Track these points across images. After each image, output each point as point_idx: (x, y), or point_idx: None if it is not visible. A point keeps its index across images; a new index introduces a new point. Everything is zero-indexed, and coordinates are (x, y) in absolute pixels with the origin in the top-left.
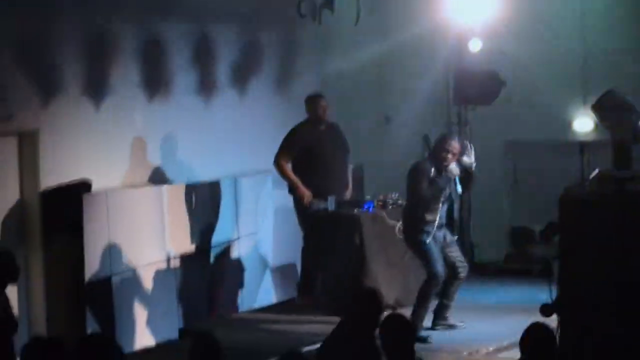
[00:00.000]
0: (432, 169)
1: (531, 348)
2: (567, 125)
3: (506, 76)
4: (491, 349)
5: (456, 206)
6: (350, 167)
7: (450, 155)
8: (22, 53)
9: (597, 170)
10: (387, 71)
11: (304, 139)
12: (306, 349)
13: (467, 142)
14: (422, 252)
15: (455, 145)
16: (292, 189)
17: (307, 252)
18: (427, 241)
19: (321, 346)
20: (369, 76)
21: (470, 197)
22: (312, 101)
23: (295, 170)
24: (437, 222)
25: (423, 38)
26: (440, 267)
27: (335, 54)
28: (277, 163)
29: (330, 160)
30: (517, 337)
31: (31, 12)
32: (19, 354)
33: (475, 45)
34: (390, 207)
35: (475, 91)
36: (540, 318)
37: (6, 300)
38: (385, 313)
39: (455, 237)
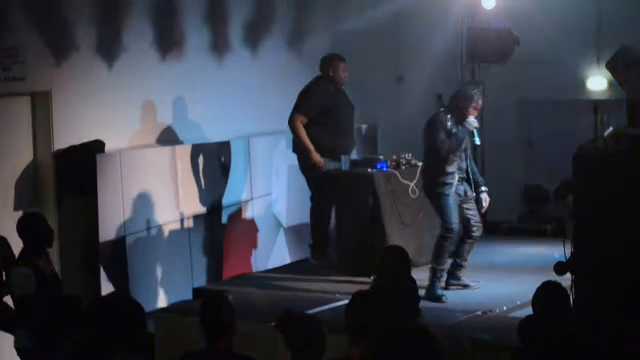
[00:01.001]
0: (449, 122)
1: (543, 305)
2: (581, 84)
3: (520, 34)
4: (505, 308)
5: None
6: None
7: (472, 110)
8: (34, 14)
9: (611, 128)
10: (400, 30)
11: (322, 99)
12: (316, 310)
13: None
14: (440, 205)
15: (478, 99)
16: (305, 153)
17: (319, 212)
18: (447, 193)
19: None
20: (381, 35)
21: (484, 155)
22: (333, 63)
23: (308, 128)
24: (457, 174)
25: None
26: (456, 222)
27: (348, 13)
28: (293, 124)
29: (344, 121)
30: (531, 296)
31: None
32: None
33: (488, 3)
34: (403, 167)
35: (488, 49)
36: (554, 277)
37: (49, 262)
38: None
39: (474, 195)
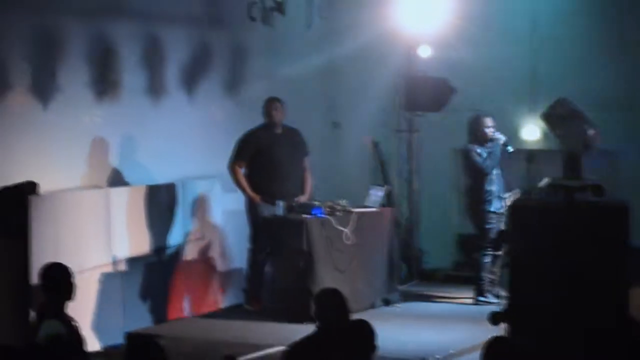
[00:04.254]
0: (478, 148)
1: None
2: (514, 133)
3: (455, 83)
4: (438, 357)
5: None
6: (309, 171)
7: (488, 127)
8: None
9: (546, 179)
10: (337, 77)
11: (256, 142)
12: (249, 356)
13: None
14: (483, 221)
15: (488, 120)
16: (242, 193)
17: (254, 256)
18: (491, 209)
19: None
20: (318, 81)
21: (418, 203)
22: (267, 104)
23: (249, 173)
24: (496, 191)
25: (373, 44)
26: (494, 237)
27: (286, 59)
28: (231, 167)
29: (281, 165)
30: (465, 345)
31: None
32: None
33: (424, 52)
34: (338, 213)
35: (425, 98)
36: (488, 326)
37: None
38: None
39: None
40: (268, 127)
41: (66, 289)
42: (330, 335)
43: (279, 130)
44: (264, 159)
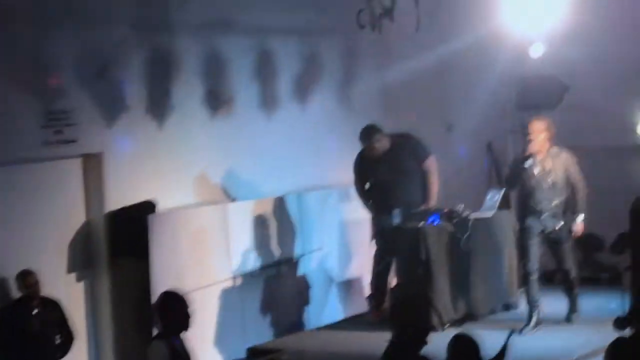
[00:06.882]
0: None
1: None
2: (631, 130)
3: (568, 81)
4: None
5: None
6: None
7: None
8: (84, 76)
9: None
10: (448, 79)
11: (361, 167)
12: None
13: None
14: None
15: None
16: None
17: (376, 267)
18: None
19: None
20: (429, 84)
21: None
22: (360, 140)
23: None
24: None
25: (484, 44)
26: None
27: (396, 63)
28: (355, 185)
29: (387, 184)
30: (588, 349)
31: (93, 33)
32: None
33: (536, 51)
34: (455, 219)
35: (538, 97)
36: (611, 329)
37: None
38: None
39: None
40: (365, 154)
41: (182, 320)
42: None
43: (379, 152)
44: (371, 180)
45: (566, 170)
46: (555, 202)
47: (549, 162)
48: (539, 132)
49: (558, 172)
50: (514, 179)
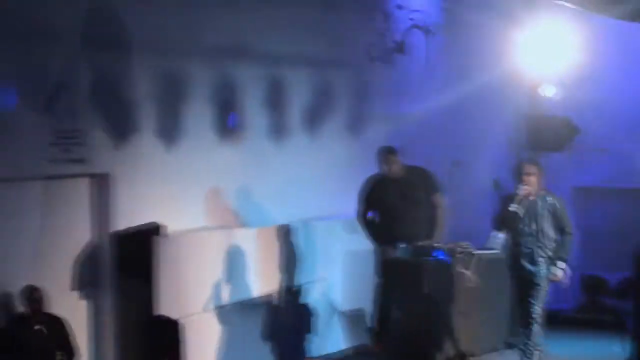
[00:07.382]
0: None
1: None
2: None
3: (580, 122)
4: None
5: None
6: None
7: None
8: (94, 97)
9: None
10: (460, 115)
11: (373, 190)
12: None
13: None
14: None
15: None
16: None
17: (378, 299)
18: None
19: None
20: (440, 119)
21: None
22: (380, 155)
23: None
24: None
25: (496, 82)
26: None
27: (407, 98)
28: (358, 214)
29: (397, 209)
30: None
31: (105, 55)
32: None
33: (548, 91)
34: (460, 255)
35: (548, 137)
36: None
37: None
38: None
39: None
40: (380, 176)
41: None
42: None
43: (393, 177)
44: (380, 205)
45: (554, 214)
46: (540, 245)
47: (537, 205)
48: (529, 175)
49: (545, 216)
50: (501, 221)
